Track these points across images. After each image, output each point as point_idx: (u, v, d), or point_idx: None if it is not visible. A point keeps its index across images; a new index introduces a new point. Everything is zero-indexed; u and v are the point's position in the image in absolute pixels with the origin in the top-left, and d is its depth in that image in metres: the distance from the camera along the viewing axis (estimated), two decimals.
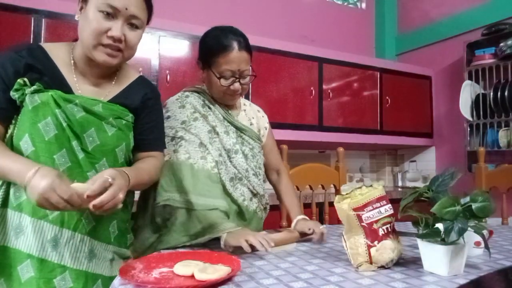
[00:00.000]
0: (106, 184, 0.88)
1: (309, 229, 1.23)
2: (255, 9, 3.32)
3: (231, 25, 1.30)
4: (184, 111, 1.27)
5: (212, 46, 1.25)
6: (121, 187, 0.91)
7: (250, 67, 1.28)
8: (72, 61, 1.05)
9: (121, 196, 0.90)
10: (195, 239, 1.12)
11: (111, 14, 0.97)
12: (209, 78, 1.28)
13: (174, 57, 2.47)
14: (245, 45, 1.25)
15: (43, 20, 2.09)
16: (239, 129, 1.34)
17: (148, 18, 1.08)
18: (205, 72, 1.30)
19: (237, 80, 1.26)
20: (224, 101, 1.32)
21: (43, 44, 1.05)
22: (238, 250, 1.03)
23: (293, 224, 1.30)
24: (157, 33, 2.42)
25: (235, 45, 1.23)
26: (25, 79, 0.97)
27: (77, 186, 0.87)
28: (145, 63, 2.38)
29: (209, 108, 1.31)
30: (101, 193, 0.87)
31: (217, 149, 1.24)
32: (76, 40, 1.07)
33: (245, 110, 1.43)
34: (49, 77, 1.00)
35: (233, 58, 1.22)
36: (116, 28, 0.98)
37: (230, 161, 1.26)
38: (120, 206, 0.91)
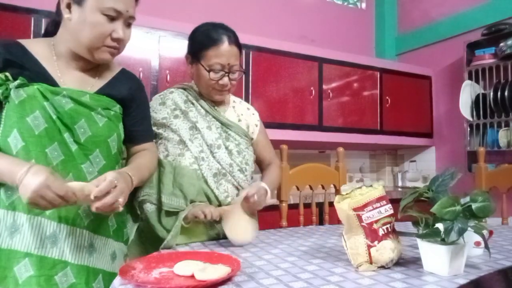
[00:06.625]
0: (112, 185, 0.89)
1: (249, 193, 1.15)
2: (254, 9, 3.32)
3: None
4: (164, 109, 1.29)
5: (202, 39, 1.27)
6: (123, 190, 0.92)
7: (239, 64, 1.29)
8: (55, 57, 1.05)
9: (121, 200, 0.91)
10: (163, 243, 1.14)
11: (114, 17, 1.00)
12: (198, 73, 1.29)
13: (174, 57, 2.46)
14: (235, 40, 1.28)
15: (43, 20, 2.09)
16: (225, 125, 1.33)
17: None
18: (194, 67, 1.31)
19: (226, 74, 1.27)
20: (211, 96, 1.33)
21: (21, 40, 1.05)
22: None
23: None
24: (157, 33, 2.41)
25: (225, 39, 1.25)
26: (7, 74, 0.96)
27: (72, 184, 0.87)
28: (145, 63, 2.38)
29: (192, 103, 1.32)
30: (107, 193, 0.89)
31: (198, 145, 1.25)
32: (53, 34, 1.07)
33: (234, 106, 1.43)
34: (30, 71, 0.99)
35: (223, 51, 1.24)
36: (120, 30, 1.01)
37: (213, 156, 1.26)
38: (121, 209, 0.92)
